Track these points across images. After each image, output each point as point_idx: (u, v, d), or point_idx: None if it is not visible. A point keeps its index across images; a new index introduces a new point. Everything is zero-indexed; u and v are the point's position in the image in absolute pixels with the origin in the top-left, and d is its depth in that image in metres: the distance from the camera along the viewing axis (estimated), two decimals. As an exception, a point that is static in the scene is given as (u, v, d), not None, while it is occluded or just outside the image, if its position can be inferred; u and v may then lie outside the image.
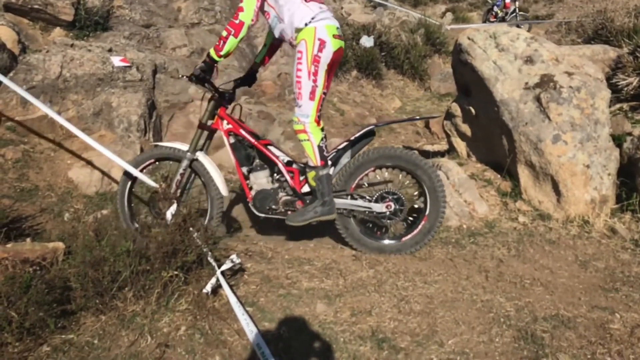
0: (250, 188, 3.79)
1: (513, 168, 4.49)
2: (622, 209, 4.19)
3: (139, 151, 5.29)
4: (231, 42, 3.39)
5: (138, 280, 2.87)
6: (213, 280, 2.93)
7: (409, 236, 3.75)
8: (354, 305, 3.05)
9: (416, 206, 3.93)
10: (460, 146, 5.29)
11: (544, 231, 4.09)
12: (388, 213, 3.68)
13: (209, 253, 3.10)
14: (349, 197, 3.71)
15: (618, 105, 5.07)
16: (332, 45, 3.43)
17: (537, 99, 4.32)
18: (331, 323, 2.88)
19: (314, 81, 3.43)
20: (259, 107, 6.73)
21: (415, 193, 3.92)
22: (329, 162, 3.63)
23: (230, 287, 3.01)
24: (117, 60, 5.63)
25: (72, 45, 5.61)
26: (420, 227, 3.73)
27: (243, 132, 3.74)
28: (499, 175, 4.66)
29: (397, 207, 3.68)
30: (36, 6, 5.88)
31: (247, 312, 2.84)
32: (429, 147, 6.54)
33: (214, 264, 3.02)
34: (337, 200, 3.65)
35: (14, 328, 2.48)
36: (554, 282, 3.40)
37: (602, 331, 2.79)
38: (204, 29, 7.69)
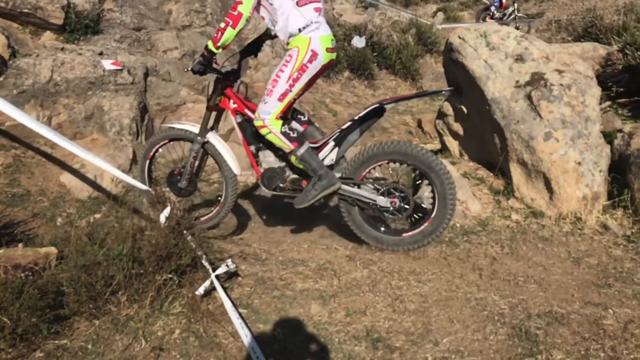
0: (259, 166, 3.82)
1: (505, 166, 4.51)
2: (613, 205, 4.22)
3: (132, 154, 5.28)
4: (229, 33, 3.36)
5: (132, 284, 2.86)
6: (207, 284, 2.92)
7: (409, 234, 3.72)
8: (348, 305, 3.05)
9: (424, 206, 3.90)
10: (453, 145, 5.30)
11: (536, 228, 4.11)
12: (391, 209, 3.66)
13: (204, 256, 3.09)
14: (356, 185, 3.68)
15: (608, 102, 5.10)
16: (324, 59, 3.49)
17: (528, 97, 4.34)
18: (326, 323, 2.88)
19: (291, 86, 3.48)
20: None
21: (426, 194, 3.88)
22: (302, 140, 3.63)
23: (225, 289, 3.00)
24: (108, 64, 5.61)
25: (62, 49, 5.59)
26: (422, 227, 3.68)
27: (247, 111, 3.76)
28: (491, 174, 4.68)
29: (402, 204, 3.65)
30: (26, 10, 5.85)
31: (240, 315, 2.84)
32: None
33: (208, 267, 3.01)
34: (344, 187, 3.64)
35: (7, 334, 2.47)
36: (548, 279, 3.42)
37: (596, 327, 2.81)
38: (195, 31, 7.68)
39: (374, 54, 9.87)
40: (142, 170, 4.14)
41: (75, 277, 2.77)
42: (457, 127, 5.17)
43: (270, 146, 3.75)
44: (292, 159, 3.63)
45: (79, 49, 5.73)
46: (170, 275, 2.91)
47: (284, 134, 3.58)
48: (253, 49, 4.05)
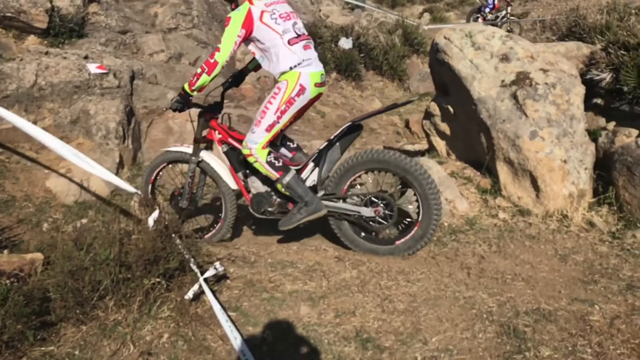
0: (249, 191, 3.93)
1: (492, 165, 4.54)
2: (599, 202, 4.26)
3: (118, 158, 5.25)
4: (204, 79, 3.55)
5: (119, 288, 2.84)
6: (195, 287, 2.91)
7: (402, 240, 3.73)
8: (337, 306, 3.05)
9: (409, 210, 3.92)
10: (440, 145, 5.33)
11: (523, 226, 4.14)
12: (377, 217, 3.69)
13: (192, 259, 3.08)
14: (340, 200, 3.74)
15: (593, 101, 5.15)
16: (311, 93, 3.63)
17: (514, 96, 4.37)
18: (315, 325, 2.88)
19: (278, 117, 3.62)
20: (238, 111, 6.71)
21: (409, 198, 3.89)
22: (289, 168, 3.73)
23: (213, 293, 2.99)
24: (93, 67, 5.56)
25: (46, 53, 5.53)
26: (412, 232, 3.70)
27: (231, 140, 3.90)
28: (478, 173, 4.71)
29: (387, 212, 3.68)
30: (9, 14, 5.79)
31: (230, 317, 2.83)
32: (409, 147, 6.59)
33: (196, 270, 3.00)
34: (327, 203, 3.72)
35: (-8, 342, 2.44)
36: (535, 276, 3.45)
37: (583, 323, 2.83)
38: (182, 34, 7.65)
39: (361, 55, 9.90)
40: (151, 169, 4.22)
41: (62, 282, 2.74)
42: (444, 127, 5.20)
43: (257, 172, 3.85)
44: (279, 186, 3.74)
45: (64, 52, 5.68)
46: (158, 279, 2.89)
47: (269, 163, 3.68)
48: (235, 81, 4.18)
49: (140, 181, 4.98)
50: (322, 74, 3.70)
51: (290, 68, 3.55)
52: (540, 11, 14.04)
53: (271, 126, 3.63)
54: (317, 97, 3.76)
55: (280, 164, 3.72)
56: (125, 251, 2.95)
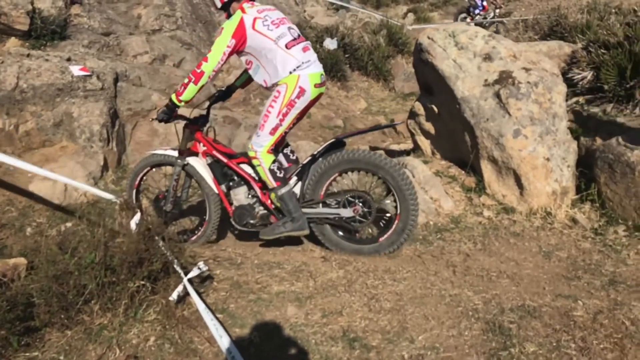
0: (231, 204, 3.94)
1: (476, 164, 4.58)
2: (581, 199, 4.32)
3: (102, 161, 5.20)
4: (191, 89, 3.55)
5: (104, 292, 2.82)
6: (180, 288, 2.89)
7: (385, 237, 3.76)
8: (324, 306, 3.06)
9: (387, 206, 3.94)
10: (425, 144, 5.36)
11: (508, 224, 4.18)
12: (357, 217, 3.71)
13: (175, 261, 3.06)
14: (320, 205, 3.76)
15: (574, 99, 5.22)
16: (311, 94, 3.63)
17: (497, 95, 4.42)
18: (302, 325, 2.88)
19: (281, 120, 3.63)
20: (224, 113, 6.69)
21: (384, 194, 3.94)
22: (287, 181, 3.76)
23: (199, 294, 2.98)
24: (76, 70, 5.51)
25: (28, 55, 5.47)
26: (394, 227, 3.73)
27: (215, 153, 3.93)
28: (463, 171, 4.74)
29: (365, 209, 3.71)
30: (-11, 16, 5.72)
31: (217, 318, 2.82)
32: (395, 147, 6.62)
33: (180, 271, 2.98)
34: (307, 210, 3.75)
35: (-25, 348, 2.41)
36: (520, 273, 3.48)
37: (566, 319, 2.86)
38: (166, 35, 7.61)
39: (346, 56, 9.92)
40: (135, 174, 4.18)
41: (46, 287, 2.71)
42: (429, 127, 5.23)
43: (241, 182, 3.89)
44: (272, 195, 3.77)
45: (46, 55, 5.62)
46: (143, 282, 2.88)
47: (271, 171, 3.70)
48: (222, 96, 4.20)
49: (124, 184, 4.97)
50: (321, 74, 3.69)
51: (290, 72, 3.55)
52: (523, 11, 14.19)
53: (275, 129, 3.64)
54: (318, 97, 3.76)
55: (281, 175, 3.74)
56: (110, 254, 2.93)
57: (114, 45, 6.81)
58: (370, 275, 3.39)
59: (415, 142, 5.54)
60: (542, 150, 4.26)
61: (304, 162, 3.85)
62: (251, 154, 3.72)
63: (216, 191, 3.94)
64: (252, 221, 3.89)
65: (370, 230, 3.97)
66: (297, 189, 3.83)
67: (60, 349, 2.62)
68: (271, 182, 3.70)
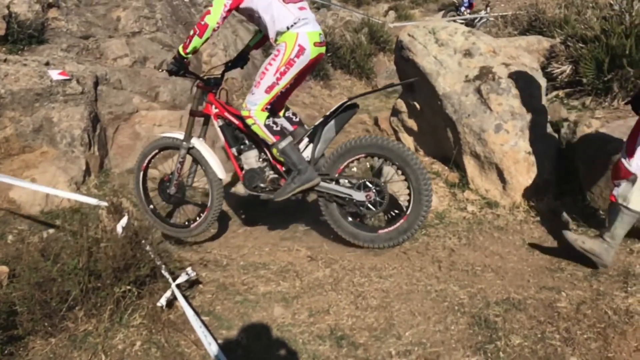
0: (242, 168, 3.93)
1: (459, 159, 4.61)
2: (563, 192, 4.36)
3: (84, 166, 5.14)
4: (196, 41, 3.55)
5: (89, 298, 2.80)
6: (168, 294, 2.88)
7: (385, 230, 3.74)
8: (311, 305, 3.06)
9: (399, 202, 3.93)
10: (408, 141, 5.38)
11: (492, 218, 4.22)
12: (367, 202, 3.68)
13: (163, 266, 3.04)
14: (333, 181, 3.72)
15: (554, 93, 5.28)
16: (311, 53, 3.59)
17: (478, 91, 4.45)
18: (289, 325, 2.89)
19: (278, 79, 3.58)
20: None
21: (402, 189, 3.90)
22: (286, 134, 3.74)
23: (186, 298, 2.96)
24: (55, 74, 5.43)
25: (5, 60, 5.39)
26: (397, 224, 3.71)
27: (227, 115, 3.89)
28: (446, 167, 4.77)
29: (378, 198, 3.67)
30: (-36, 21, 5.62)
31: (203, 322, 2.81)
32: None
33: (168, 276, 2.97)
34: (321, 183, 3.70)
35: (-43, 359, 2.37)
36: (504, 267, 3.51)
37: (551, 310, 2.90)
38: (146, 38, 7.53)
39: (328, 54, 9.91)
40: (137, 182, 4.22)
41: (29, 295, 2.68)
42: (412, 124, 5.25)
43: (252, 147, 3.87)
44: (274, 151, 3.73)
45: (24, 59, 5.53)
46: (129, 287, 2.86)
47: (267, 126, 3.67)
48: (239, 61, 4.18)
49: (108, 188, 4.92)
50: (320, 34, 3.66)
51: (287, 28, 3.52)
52: (502, 6, 14.31)
53: (270, 87, 3.60)
54: (318, 57, 3.72)
55: (279, 128, 3.71)
56: (94, 259, 2.90)
57: (94, 48, 6.73)
58: (357, 273, 3.40)
59: (398, 139, 5.56)
60: (524, 145, 4.30)
61: (316, 123, 3.81)
62: (244, 113, 3.69)
63: (220, 177, 3.92)
64: (262, 185, 3.87)
65: (372, 220, 3.95)
66: (307, 152, 3.79)
67: (45, 356, 2.60)
68: (270, 138, 3.67)
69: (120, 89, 6.12)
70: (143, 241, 3.12)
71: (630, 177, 3.14)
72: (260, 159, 3.90)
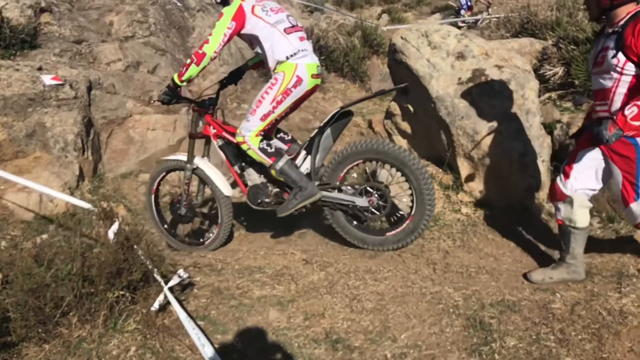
0: (246, 185, 3.98)
1: (453, 161, 4.62)
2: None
3: (78, 171, 5.12)
4: (192, 70, 3.59)
5: (83, 304, 2.78)
6: (161, 297, 2.87)
7: (392, 232, 3.75)
8: (306, 309, 3.06)
9: (403, 205, 3.93)
10: (402, 143, 5.38)
11: (486, 220, 4.23)
12: (370, 207, 3.70)
13: (155, 270, 3.03)
14: (335, 190, 3.75)
15: (547, 95, 5.31)
16: (308, 84, 3.67)
17: (471, 93, 4.46)
18: (285, 329, 2.88)
19: (274, 107, 3.66)
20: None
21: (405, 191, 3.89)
22: (282, 154, 3.78)
23: (180, 302, 2.95)
24: (48, 79, 5.41)
25: (-3, 66, 5.36)
26: (404, 225, 3.71)
27: (225, 134, 3.94)
28: (440, 169, 4.78)
29: (381, 202, 3.69)
30: (-44, 27, 5.59)
31: (198, 326, 2.80)
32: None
33: (160, 280, 2.95)
34: (323, 193, 3.73)
35: (-50, 366, 2.35)
36: (499, 268, 3.53)
37: (545, 311, 2.91)
38: (139, 42, 7.52)
39: (322, 58, 9.92)
40: (149, 205, 4.28)
41: (22, 301, 2.66)
42: (405, 126, 5.26)
43: (253, 164, 3.91)
44: (272, 172, 3.76)
45: (16, 64, 5.51)
46: (122, 292, 2.84)
47: (262, 149, 3.73)
48: (234, 78, 4.23)
49: (102, 193, 4.90)
50: (317, 66, 3.74)
51: (287, 58, 3.59)
52: (494, 9, 14.37)
53: (266, 115, 3.67)
54: (314, 88, 3.80)
55: (273, 150, 3.76)
56: (87, 265, 2.89)
57: (87, 53, 6.71)
58: (352, 276, 3.40)
59: (392, 141, 5.56)
60: (517, 146, 4.32)
61: (312, 135, 3.83)
62: (239, 139, 3.74)
63: (226, 194, 3.97)
64: (266, 200, 3.90)
65: (379, 223, 3.98)
66: (307, 164, 3.82)
67: (39, 363, 2.57)
68: (266, 160, 3.72)
69: (113, 94, 6.11)
70: (135, 246, 3.11)
71: (566, 200, 3.22)
72: (263, 175, 3.95)
